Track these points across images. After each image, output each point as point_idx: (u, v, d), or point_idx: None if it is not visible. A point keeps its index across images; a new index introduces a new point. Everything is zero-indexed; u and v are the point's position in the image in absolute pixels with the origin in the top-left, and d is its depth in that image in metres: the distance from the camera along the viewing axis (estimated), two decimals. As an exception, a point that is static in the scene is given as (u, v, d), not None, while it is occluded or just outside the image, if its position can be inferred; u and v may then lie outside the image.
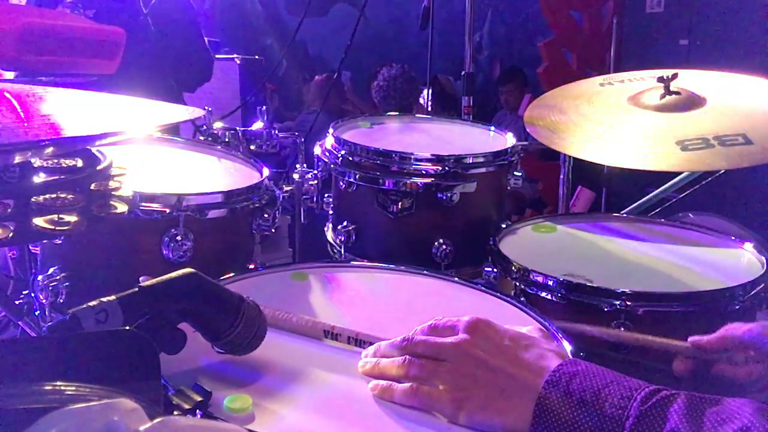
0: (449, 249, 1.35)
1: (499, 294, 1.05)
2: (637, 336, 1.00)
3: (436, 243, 1.35)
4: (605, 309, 1.09)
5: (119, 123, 0.79)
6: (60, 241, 1.14)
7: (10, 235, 0.68)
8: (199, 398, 0.68)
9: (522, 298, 1.11)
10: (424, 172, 1.33)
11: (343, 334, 0.87)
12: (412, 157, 1.34)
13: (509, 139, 1.54)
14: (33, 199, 0.70)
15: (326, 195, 1.54)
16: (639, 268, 1.26)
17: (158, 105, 0.87)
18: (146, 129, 1.13)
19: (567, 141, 1.38)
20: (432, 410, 0.73)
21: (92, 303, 0.65)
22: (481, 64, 6.83)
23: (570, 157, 1.99)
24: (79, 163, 0.80)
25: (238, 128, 1.60)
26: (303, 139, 1.71)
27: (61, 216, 0.71)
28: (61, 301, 1.14)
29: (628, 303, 1.08)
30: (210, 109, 1.63)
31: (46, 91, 0.84)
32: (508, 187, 1.47)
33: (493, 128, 1.68)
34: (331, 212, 1.53)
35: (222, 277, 1.03)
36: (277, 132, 1.64)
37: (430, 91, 3.54)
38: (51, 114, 0.73)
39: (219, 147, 1.52)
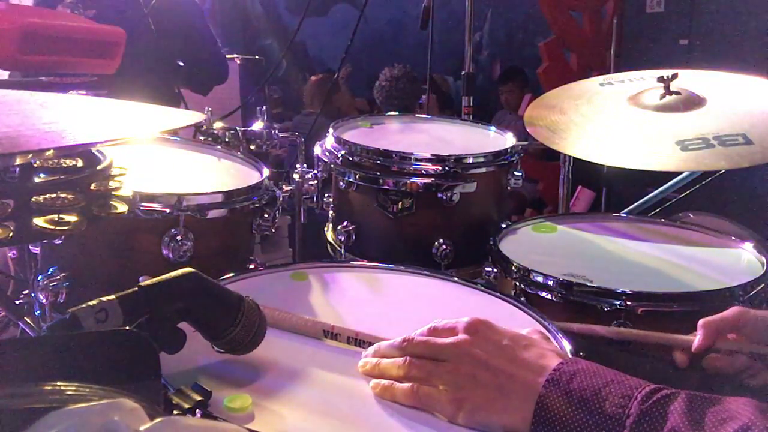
0: (449, 249, 1.35)
1: (499, 294, 1.05)
2: (636, 332, 1.00)
3: (436, 243, 1.35)
4: (605, 309, 1.09)
5: (120, 129, 0.78)
6: (60, 241, 1.14)
7: (10, 235, 0.68)
8: (198, 398, 0.68)
9: (522, 298, 1.11)
10: (424, 172, 1.33)
11: (342, 334, 0.87)
12: (412, 157, 1.34)
13: (509, 139, 1.54)
14: (33, 199, 0.70)
15: (326, 195, 1.54)
16: (639, 268, 1.26)
17: (158, 109, 0.87)
18: (147, 135, 1.13)
19: (567, 141, 1.38)
20: (432, 410, 0.73)
21: (92, 303, 0.64)
22: (481, 64, 6.84)
23: (570, 157, 1.99)
24: (79, 163, 0.81)
25: (238, 128, 1.61)
26: (303, 139, 1.71)
27: (61, 216, 0.71)
28: (61, 301, 1.14)
29: (628, 303, 1.08)
30: (210, 109, 1.64)
31: (47, 97, 0.84)
32: (508, 187, 1.47)
33: (493, 128, 1.68)
34: (331, 212, 1.53)
35: (222, 277, 1.03)
36: (277, 132, 1.64)
37: (429, 93, 3.53)
38: (52, 121, 0.73)
39: (219, 147, 1.52)
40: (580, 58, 4.73)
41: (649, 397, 0.66)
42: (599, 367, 0.71)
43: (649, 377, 0.70)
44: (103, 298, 0.65)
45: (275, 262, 1.20)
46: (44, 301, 1.13)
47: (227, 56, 3.23)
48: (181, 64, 2.82)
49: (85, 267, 1.17)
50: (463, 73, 2.50)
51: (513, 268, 1.21)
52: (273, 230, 1.30)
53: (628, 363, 0.95)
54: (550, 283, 1.15)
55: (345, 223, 1.40)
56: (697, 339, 0.94)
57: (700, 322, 0.94)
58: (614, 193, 3.61)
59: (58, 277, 1.14)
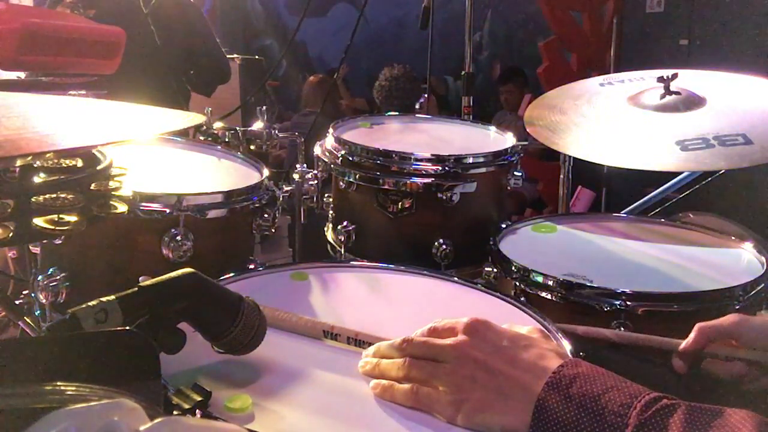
0: (449, 249, 1.35)
1: (499, 294, 1.05)
2: (637, 335, 1.00)
3: (436, 243, 1.35)
4: (605, 309, 1.09)
5: (120, 132, 0.78)
6: (60, 241, 1.14)
7: (10, 235, 0.68)
8: (198, 398, 0.68)
9: (522, 298, 1.11)
10: (424, 172, 1.33)
11: (342, 334, 0.87)
12: (412, 157, 1.34)
13: (509, 139, 1.54)
14: (33, 199, 0.70)
15: (326, 195, 1.54)
16: (639, 268, 1.26)
17: (157, 111, 0.86)
18: (146, 137, 1.13)
19: (567, 141, 1.38)
20: (432, 411, 0.73)
21: (92, 303, 0.64)
22: (481, 64, 6.84)
23: (570, 157, 1.99)
24: (79, 163, 0.80)
25: (238, 128, 1.61)
26: (303, 139, 1.71)
27: (61, 216, 0.71)
28: (61, 301, 1.14)
29: (628, 303, 1.08)
30: (210, 109, 1.64)
31: (46, 99, 0.84)
32: (508, 187, 1.47)
33: (493, 128, 1.68)
34: (331, 212, 1.53)
35: (222, 277, 1.03)
36: (277, 132, 1.64)
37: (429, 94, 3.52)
38: (52, 123, 0.73)
39: (219, 147, 1.52)
40: (580, 58, 4.73)
41: (648, 406, 0.66)
42: (600, 371, 0.71)
43: (649, 382, 0.70)
44: (103, 298, 0.65)
45: (275, 262, 1.20)
46: (44, 301, 1.13)
47: (227, 56, 3.23)
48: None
49: (85, 267, 1.17)
50: (463, 73, 2.50)
51: (513, 268, 1.21)
52: (273, 230, 1.30)
53: (628, 367, 0.95)
54: (550, 283, 1.15)
55: (345, 223, 1.40)
56: (685, 341, 0.94)
57: (697, 326, 0.94)
58: (614, 193, 3.61)
59: (58, 277, 1.14)
